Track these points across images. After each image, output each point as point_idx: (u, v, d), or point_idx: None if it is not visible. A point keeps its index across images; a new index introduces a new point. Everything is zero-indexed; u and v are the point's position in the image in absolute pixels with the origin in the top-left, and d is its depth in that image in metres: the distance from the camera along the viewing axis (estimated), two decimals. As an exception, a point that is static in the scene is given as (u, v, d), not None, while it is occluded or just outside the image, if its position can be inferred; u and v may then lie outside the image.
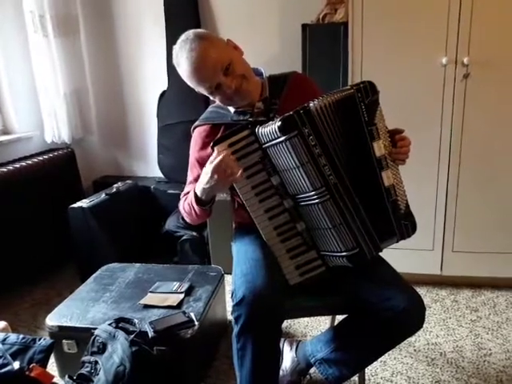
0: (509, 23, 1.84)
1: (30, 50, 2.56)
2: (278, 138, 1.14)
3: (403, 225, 1.23)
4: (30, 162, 2.43)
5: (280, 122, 1.12)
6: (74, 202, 2.37)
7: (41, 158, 2.51)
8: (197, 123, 1.45)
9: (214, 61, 1.23)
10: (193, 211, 1.33)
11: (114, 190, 2.55)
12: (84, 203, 2.36)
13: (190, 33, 1.29)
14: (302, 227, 1.24)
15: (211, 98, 1.34)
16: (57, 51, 2.61)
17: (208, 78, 1.25)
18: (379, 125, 1.18)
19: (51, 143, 2.72)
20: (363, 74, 1.97)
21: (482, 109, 1.94)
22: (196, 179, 1.40)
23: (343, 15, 2.21)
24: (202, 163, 1.37)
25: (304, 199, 1.19)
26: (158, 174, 2.84)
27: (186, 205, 1.36)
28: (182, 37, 1.29)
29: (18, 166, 2.35)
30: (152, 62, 2.78)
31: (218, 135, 1.29)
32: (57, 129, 2.69)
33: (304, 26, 2.24)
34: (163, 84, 2.70)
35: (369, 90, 1.15)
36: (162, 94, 2.72)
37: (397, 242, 1.25)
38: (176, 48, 1.29)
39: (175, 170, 2.72)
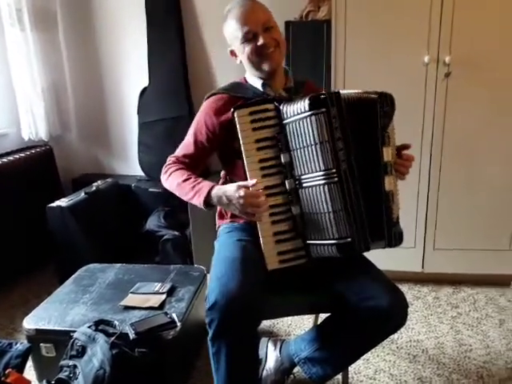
0: (490, 23, 1.87)
1: (7, 44, 2.48)
2: (304, 112, 1.16)
3: (392, 232, 1.24)
4: (5, 159, 2.36)
5: (310, 99, 1.16)
6: (53, 201, 2.31)
7: (17, 156, 2.44)
8: (214, 91, 1.42)
9: (262, 14, 1.33)
10: (189, 196, 1.26)
11: (94, 188, 2.50)
12: (63, 202, 2.30)
13: None
14: (297, 211, 1.24)
15: (241, 48, 1.34)
16: (34, 46, 2.54)
17: (252, 22, 1.30)
18: (391, 135, 1.23)
19: (28, 140, 2.64)
20: (346, 72, 1.97)
21: (464, 108, 1.96)
22: (196, 144, 1.37)
23: (326, 13, 2.22)
24: (211, 129, 1.36)
25: (310, 179, 1.19)
26: (139, 172, 2.79)
27: (187, 187, 1.27)
28: None
29: (-7, 163, 2.28)
30: (133, 58, 2.73)
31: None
32: (34, 125, 2.62)
33: (287, 23, 2.24)
34: (144, 81, 2.66)
35: (389, 101, 1.23)
36: (143, 91, 2.68)
37: (383, 247, 1.25)
38: (231, 3, 1.36)
39: (156, 168, 2.64)
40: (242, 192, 1.16)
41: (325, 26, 2.14)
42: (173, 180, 1.33)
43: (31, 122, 2.61)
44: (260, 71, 1.37)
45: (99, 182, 2.59)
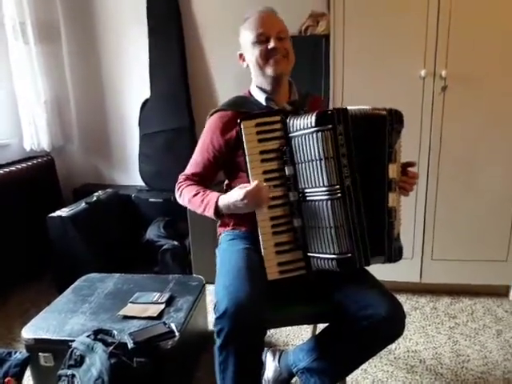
0: (485, 37, 1.90)
1: (10, 57, 2.52)
2: (310, 128, 1.18)
3: (393, 248, 1.26)
4: (7, 169, 2.38)
5: (317, 115, 1.17)
6: (53, 211, 2.33)
7: (19, 166, 2.46)
8: (219, 107, 1.44)
9: (277, 22, 1.38)
10: (201, 210, 1.31)
11: (95, 198, 2.51)
12: (63, 212, 2.32)
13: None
14: (299, 224, 1.25)
15: (251, 50, 1.37)
16: (37, 58, 2.58)
17: (267, 26, 1.35)
18: (397, 152, 1.25)
19: (30, 151, 2.67)
20: (345, 86, 2.00)
21: (460, 121, 1.99)
22: (204, 162, 1.41)
23: (325, 28, 2.25)
24: (217, 148, 1.39)
25: (313, 194, 1.21)
26: (139, 182, 2.82)
27: (197, 201, 1.32)
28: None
29: (-5, 173, 2.30)
30: (134, 71, 2.77)
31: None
32: (36, 136, 2.65)
33: (286, 38, 2.27)
34: (145, 93, 2.69)
35: (398, 118, 1.25)
36: (144, 103, 2.71)
37: (383, 262, 1.27)
38: (250, 10, 1.41)
39: (156, 178, 2.70)
40: (242, 194, 1.18)
41: (323, 41, 2.17)
42: (184, 197, 1.39)
43: (33, 133, 2.64)
44: (264, 77, 1.39)
45: (100, 192, 2.61)
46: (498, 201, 2.07)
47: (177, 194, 1.42)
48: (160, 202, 2.59)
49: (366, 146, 1.21)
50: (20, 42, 2.50)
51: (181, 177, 1.43)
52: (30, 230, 2.42)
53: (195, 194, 1.34)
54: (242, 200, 1.19)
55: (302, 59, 2.27)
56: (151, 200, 2.62)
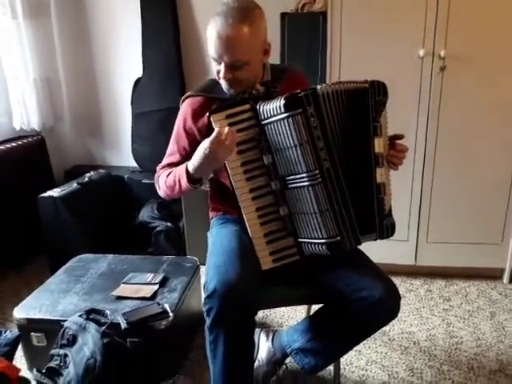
0: (485, 18, 1.87)
1: (-2, 32, 2.45)
2: (280, 114, 1.13)
3: (384, 224, 1.24)
4: (-3, 148, 2.34)
5: (285, 99, 1.12)
6: (45, 191, 2.29)
7: (9, 146, 2.42)
8: (190, 93, 1.39)
9: (233, 49, 1.19)
10: (177, 186, 1.28)
11: (86, 179, 2.47)
12: (55, 192, 2.28)
13: (244, 0, 1.22)
14: (285, 212, 1.23)
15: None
16: (26, 34, 2.50)
17: (221, 51, 1.20)
18: (383, 125, 1.21)
19: (20, 130, 2.61)
20: (342, 64, 1.96)
21: (458, 101, 1.96)
22: (180, 151, 1.37)
23: (322, 5, 2.20)
24: (190, 135, 1.35)
25: (294, 181, 1.18)
26: (132, 163, 2.77)
27: (171, 179, 1.30)
28: None
29: (-16, 152, 2.25)
30: (126, 48, 2.70)
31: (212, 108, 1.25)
32: (26, 115, 2.58)
33: (283, 15, 2.23)
34: (138, 71, 2.63)
35: (381, 89, 1.19)
36: (137, 82, 2.65)
37: (375, 239, 1.25)
38: (224, 1, 1.22)
39: (150, 159, 2.64)
40: (206, 146, 1.15)
41: (320, 18, 2.13)
42: (161, 184, 1.36)
43: (23, 112, 2.57)
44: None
45: (92, 172, 2.57)
46: (494, 183, 2.06)
47: (156, 187, 1.40)
48: (153, 183, 2.54)
49: (348, 122, 1.17)
50: (8, 16, 2.42)
51: (158, 168, 1.40)
52: (22, 210, 2.38)
53: (168, 174, 1.32)
54: (206, 152, 1.15)
55: (298, 37, 2.26)
56: (144, 181, 2.58)
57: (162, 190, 1.38)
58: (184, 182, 1.24)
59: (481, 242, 2.13)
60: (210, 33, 1.22)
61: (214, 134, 1.14)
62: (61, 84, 2.80)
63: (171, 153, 1.40)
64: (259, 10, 1.24)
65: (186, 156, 1.36)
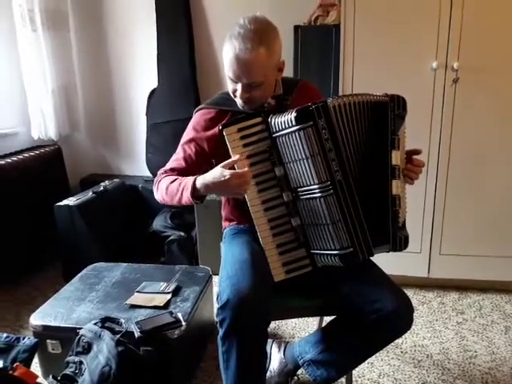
0: (498, 29, 1.87)
1: (18, 44, 2.51)
2: (292, 126, 1.15)
3: (398, 237, 1.24)
4: (15, 158, 2.38)
5: (296, 112, 1.14)
6: (61, 200, 2.33)
7: (27, 155, 2.46)
8: (203, 105, 1.42)
9: (250, 72, 1.21)
10: (178, 195, 1.27)
11: (102, 188, 2.51)
12: (71, 201, 2.32)
13: (260, 22, 1.22)
14: (297, 223, 1.24)
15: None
16: (45, 46, 2.57)
17: (236, 76, 1.23)
18: (401, 139, 1.22)
19: (38, 140, 2.67)
20: (354, 76, 1.98)
21: (471, 114, 1.96)
22: (185, 158, 1.37)
23: (335, 17, 2.22)
24: (198, 145, 1.36)
25: (305, 192, 1.19)
26: (146, 172, 2.81)
27: (174, 187, 1.28)
28: (252, 17, 1.22)
29: (2, 162, 2.29)
30: (142, 60, 2.76)
31: (224, 121, 1.27)
32: (44, 125, 2.64)
33: (296, 28, 2.26)
34: (153, 82, 2.68)
35: (401, 104, 1.21)
36: (152, 93, 2.70)
37: (388, 251, 1.25)
38: (239, 23, 1.22)
39: (164, 169, 2.69)
40: (227, 174, 1.15)
41: (333, 31, 2.15)
42: (161, 188, 1.34)
43: (41, 122, 2.64)
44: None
45: (107, 181, 2.61)
46: (507, 196, 2.04)
47: (154, 189, 1.38)
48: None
49: (365, 134, 1.19)
50: (28, 29, 2.49)
51: (160, 172, 1.40)
52: (38, 218, 2.43)
53: (173, 181, 1.31)
54: (225, 179, 1.15)
55: (311, 49, 2.29)
56: (158, 190, 2.61)
57: (159, 194, 1.36)
58: (187, 195, 1.24)
59: (495, 255, 2.11)
60: (228, 55, 1.23)
61: (241, 170, 1.15)
62: (78, 94, 2.86)
63: (176, 158, 1.40)
64: (274, 31, 1.25)
65: (191, 164, 1.37)
